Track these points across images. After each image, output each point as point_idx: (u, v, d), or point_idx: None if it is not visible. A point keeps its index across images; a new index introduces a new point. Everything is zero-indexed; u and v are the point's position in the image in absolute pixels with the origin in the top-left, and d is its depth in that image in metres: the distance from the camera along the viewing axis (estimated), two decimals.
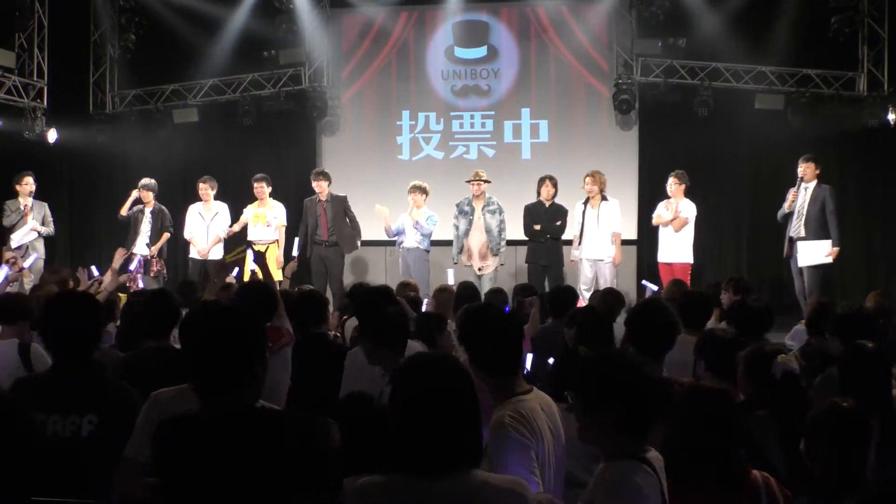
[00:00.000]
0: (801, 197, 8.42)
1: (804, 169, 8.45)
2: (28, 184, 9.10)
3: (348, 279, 9.68)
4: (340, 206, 9.31)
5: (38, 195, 9.41)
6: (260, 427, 1.96)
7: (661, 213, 8.90)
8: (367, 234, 9.69)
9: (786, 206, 8.48)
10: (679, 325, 3.51)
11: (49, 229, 9.24)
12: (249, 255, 9.05)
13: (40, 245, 9.14)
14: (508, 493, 1.99)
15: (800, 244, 8.39)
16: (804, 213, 8.35)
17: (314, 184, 9.35)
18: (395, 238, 9.20)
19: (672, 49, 10.30)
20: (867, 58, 10.09)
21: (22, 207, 9.02)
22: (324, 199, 9.30)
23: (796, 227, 8.43)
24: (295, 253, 8.98)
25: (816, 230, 8.31)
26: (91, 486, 2.56)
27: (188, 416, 2.06)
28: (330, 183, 9.37)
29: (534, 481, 2.37)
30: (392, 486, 1.96)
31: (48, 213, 9.28)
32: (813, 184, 8.44)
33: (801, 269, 8.41)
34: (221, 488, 1.89)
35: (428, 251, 9.14)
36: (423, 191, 9.06)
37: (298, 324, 4.44)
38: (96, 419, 2.68)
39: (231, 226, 9.50)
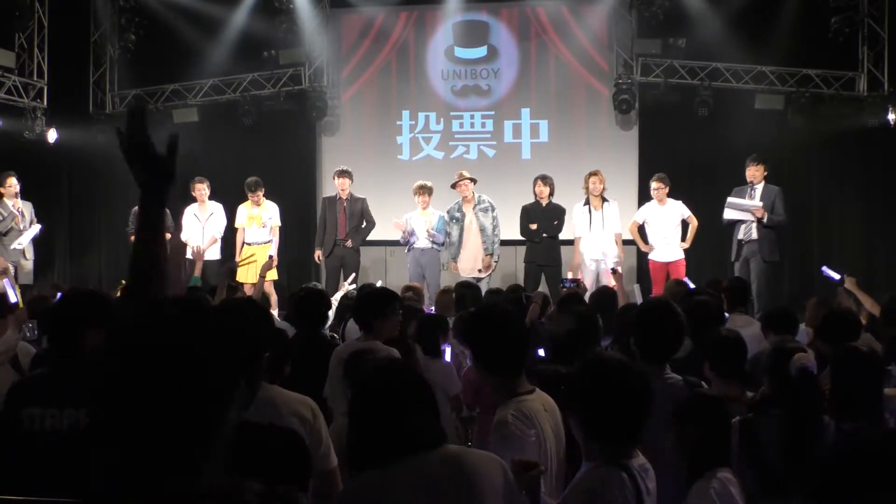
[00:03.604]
0: (753, 199, 8.42)
1: (752, 171, 8.47)
2: (12, 185, 8.89)
3: None
4: (359, 207, 9.30)
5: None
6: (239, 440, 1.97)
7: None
8: (369, 235, 9.66)
9: (756, 216, 8.37)
10: (686, 329, 3.49)
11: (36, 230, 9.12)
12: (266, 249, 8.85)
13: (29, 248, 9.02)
14: (488, 457, 2.11)
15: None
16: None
17: (337, 181, 9.29)
18: (409, 240, 9.07)
19: (672, 49, 10.31)
20: (867, 58, 10.10)
21: (14, 210, 8.86)
22: (345, 197, 9.30)
23: (747, 230, 8.42)
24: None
25: (767, 232, 8.32)
26: (90, 478, 2.59)
27: None
28: (352, 182, 9.33)
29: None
30: (377, 478, 2.00)
31: (33, 212, 9.15)
32: (762, 185, 8.44)
33: (748, 269, 8.37)
34: None
35: (440, 251, 9.11)
36: (430, 191, 9.03)
37: (298, 322, 4.47)
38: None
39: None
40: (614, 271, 6.62)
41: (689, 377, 3.16)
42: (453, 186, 8.98)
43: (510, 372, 2.65)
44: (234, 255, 9.52)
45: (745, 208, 8.43)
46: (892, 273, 9.97)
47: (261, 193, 9.30)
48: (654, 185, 8.82)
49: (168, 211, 9.50)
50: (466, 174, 9.00)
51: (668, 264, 8.76)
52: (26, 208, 9.05)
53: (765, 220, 8.30)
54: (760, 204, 8.34)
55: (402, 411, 2.01)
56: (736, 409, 3.25)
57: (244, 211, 9.40)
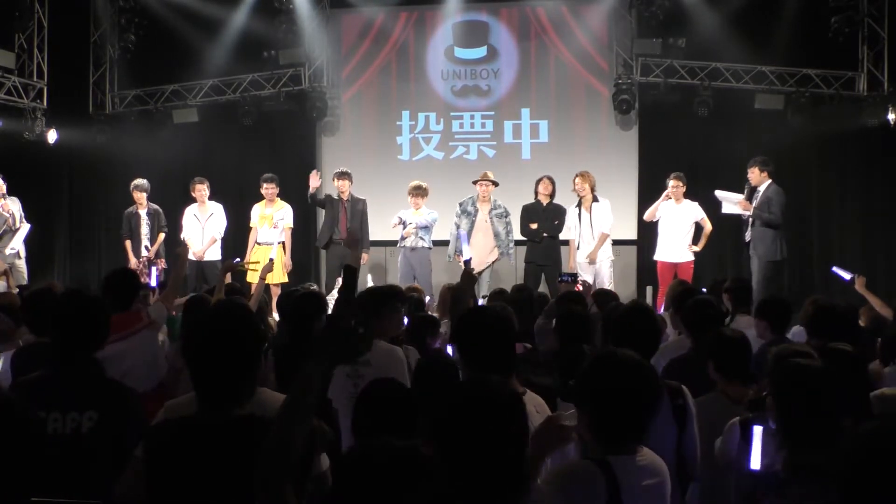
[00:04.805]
0: (755, 201, 8.46)
1: (749, 175, 8.53)
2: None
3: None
4: (360, 209, 9.32)
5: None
6: (242, 433, 2.00)
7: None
8: (370, 235, 9.66)
9: (741, 210, 8.48)
10: (661, 330, 3.50)
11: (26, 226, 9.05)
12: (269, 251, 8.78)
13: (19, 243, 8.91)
14: None
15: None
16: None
17: (336, 183, 9.34)
18: (401, 235, 9.11)
19: (672, 49, 10.30)
20: (867, 58, 10.09)
21: (3, 212, 8.75)
22: (345, 198, 9.31)
23: (746, 230, 8.53)
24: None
25: (761, 231, 8.35)
26: (92, 482, 2.59)
27: (178, 421, 2.10)
28: (352, 183, 9.37)
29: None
30: None
31: (21, 209, 9.02)
32: (764, 185, 8.43)
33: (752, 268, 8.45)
34: (202, 489, 1.93)
35: (430, 249, 9.12)
36: (424, 192, 9.05)
37: (294, 323, 4.45)
38: (96, 416, 2.71)
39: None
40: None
41: (669, 381, 3.16)
42: (475, 182, 9.03)
43: (500, 373, 2.61)
44: (235, 255, 9.54)
45: (730, 200, 8.54)
46: (892, 273, 9.96)
47: (273, 189, 9.36)
48: (671, 183, 8.81)
49: (161, 212, 9.57)
50: (491, 175, 9.05)
51: (676, 265, 8.77)
52: (14, 206, 8.94)
53: (750, 213, 8.35)
54: (741, 196, 8.44)
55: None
56: (740, 410, 3.25)
57: (258, 210, 9.44)
